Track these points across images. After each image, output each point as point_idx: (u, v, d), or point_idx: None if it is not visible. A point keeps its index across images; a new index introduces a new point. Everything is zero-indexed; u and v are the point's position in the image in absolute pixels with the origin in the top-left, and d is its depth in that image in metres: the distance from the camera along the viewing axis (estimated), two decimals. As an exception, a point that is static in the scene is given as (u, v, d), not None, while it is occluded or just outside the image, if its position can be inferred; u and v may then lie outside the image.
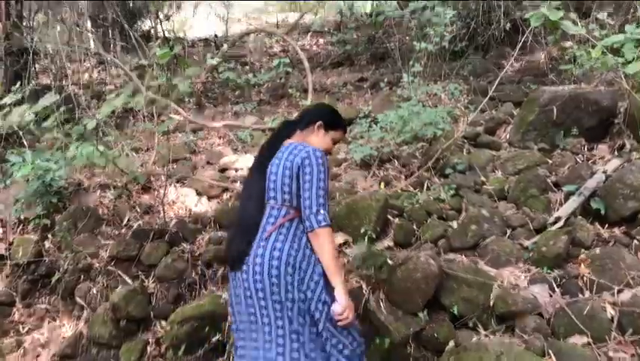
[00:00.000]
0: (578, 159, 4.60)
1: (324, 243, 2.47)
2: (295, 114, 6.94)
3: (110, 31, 9.65)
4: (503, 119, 5.69)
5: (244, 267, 2.52)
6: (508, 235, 3.91)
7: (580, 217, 3.83)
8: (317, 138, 2.77)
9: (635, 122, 4.57)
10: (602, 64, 4.35)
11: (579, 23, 4.65)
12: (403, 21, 8.68)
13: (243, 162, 5.77)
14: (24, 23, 7.21)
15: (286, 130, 2.81)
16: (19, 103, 4.41)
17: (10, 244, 4.62)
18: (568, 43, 6.61)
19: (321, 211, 2.46)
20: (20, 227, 4.81)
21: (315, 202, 2.46)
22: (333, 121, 2.88)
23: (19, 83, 4.29)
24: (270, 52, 12.41)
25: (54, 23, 8.91)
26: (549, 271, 3.47)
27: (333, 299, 2.49)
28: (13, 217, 4.80)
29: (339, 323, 2.49)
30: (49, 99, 3.82)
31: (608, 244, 3.63)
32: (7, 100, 4.06)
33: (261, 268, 2.45)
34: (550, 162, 4.64)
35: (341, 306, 2.45)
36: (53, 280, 4.34)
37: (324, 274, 2.51)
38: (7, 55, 6.18)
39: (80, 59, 9.45)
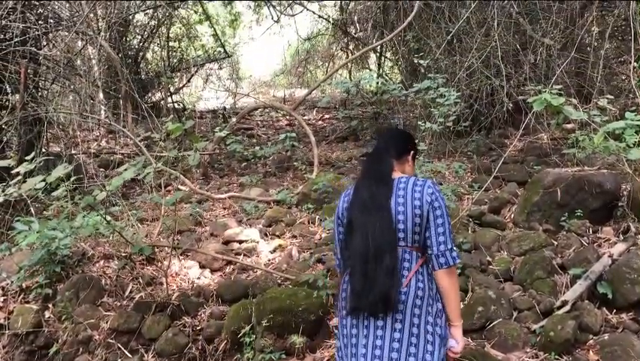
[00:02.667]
0: (583, 242, 4.61)
1: (456, 280, 2.45)
2: (300, 187, 7.02)
3: (121, 101, 9.92)
4: (507, 198, 5.74)
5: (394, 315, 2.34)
6: (514, 317, 3.86)
7: (587, 301, 3.80)
8: (410, 168, 2.69)
9: (638, 206, 4.61)
10: (604, 148, 4.45)
11: (580, 109, 4.80)
12: (407, 99, 8.95)
13: (247, 235, 5.78)
14: (39, 94, 7.42)
15: (387, 162, 2.58)
16: (31, 172, 4.48)
17: (10, 313, 4.55)
18: (570, 126, 6.77)
19: (455, 248, 2.41)
20: (21, 296, 4.76)
21: (449, 239, 2.38)
22: (417, 150, 2.86)
23: (33, 153, 4.37)
24: (276, 125, 12.70)
25: (68, 93, 9.20)
26: (557, 357, 3.41)
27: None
28: (15, 285, 4.76)
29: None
30: (61, 170, 3.90)
31: (616, 330, 3.59)
32: (22, 169, 4.13)
33: (403, 315, 2.33)
34: (555, 243, 4.65)
35: (461, 346, 2.46)
36: (51, 351, 4.25)
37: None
38: (22, 124, 6.34)
39: (90, 128, 9.69)
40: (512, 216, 5.42)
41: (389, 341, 2.31)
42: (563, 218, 4.86)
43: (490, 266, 4.53)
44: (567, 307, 3.73)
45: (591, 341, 3.47)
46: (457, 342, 2.45)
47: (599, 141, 4.20)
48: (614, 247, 4.29)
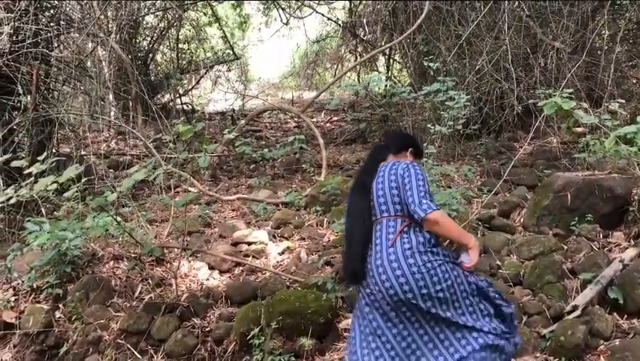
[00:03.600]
0: (593, 246, 4.59)
1: (443, 222, 2.75)
2: (309, 189, 7.03)
3: (131, 103, 9.97)
4: (517, 202, 5.72)
5: (369, 280, 2.77)
6: (524, 321, 3.85)
7: (598, 306, 3.78)
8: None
9: (650, 211, 4.59)
10: (615, 153, 4.42)
11: (591, 113, 4.77)
12: (416, 102, 8.93)
13: (256, 236, 5.79)
14: (50, 95, 7.47)
15: (380, 154, 3.13)
16: (42, 172, 4.51)
17: (21, 312, 4.58)
18: (580, 129, 6.74)
19: (424, 201, 2.72)
20: (32, 295, 4.79)
21: (417, 196, 2.73)
22: (419, 149, 3.27)
23: (44, 154, 4.40)
24: (284, 127, 12.72)
25: (78, 94, 9.26)
26: (568, 362, 3.39)
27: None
28: (26, 285, 4.79)
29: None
30: (73, 171, 3.92)
31: (627, 335, 3.57)
32: (34, 170, 4.17)
33: (401, 271, 2.67)
34: (565, 247, 4.63)
35: (472, 262, 2.81)
36: (61, 351, 4.27)
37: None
38: (34, 125, 6.39)
39: (100, 129, 9.74)
40: (522, 220, 5.40)
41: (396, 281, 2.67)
42: (573, 222, 4.84)
43: (500, 270, 4.52)
44: (577, 312, 3.72)
45: (602, 347, 3.46)
46: (469, 259, 2.81)
47: (610, 145, 4.18)
48: (625, 251, 4.27)
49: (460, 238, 2.83)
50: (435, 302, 2.66)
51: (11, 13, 6.24)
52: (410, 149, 3.16)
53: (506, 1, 7.38)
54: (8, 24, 6.12)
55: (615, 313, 3.78)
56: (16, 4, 6.39)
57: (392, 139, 3.32)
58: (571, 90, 4.66)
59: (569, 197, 4.93)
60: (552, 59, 7.28)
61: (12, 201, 4.22)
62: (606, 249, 4.53)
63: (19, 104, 6.60)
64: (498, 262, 4.61)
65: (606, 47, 7.23)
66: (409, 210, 2.75)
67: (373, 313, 2.78)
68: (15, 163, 4.39)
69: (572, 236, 4.78)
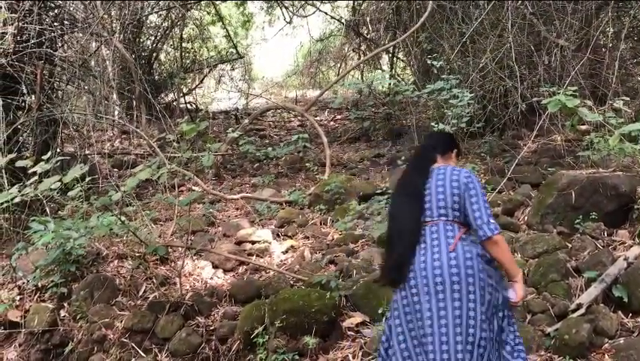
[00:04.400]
0: (598, 244, 4.57)
1: (503, 246, 2.83)
2: (312, 188, 7.04)
3: (135, 102, 10.00)
4: (521, 200, 5.71)
5: (418, 280, 2.72)
6: (528, 320, 3.84)
7: (602, 305, 3.77)
8: (453, 163, 3.11)
9: (655, 209, 4.57)
10: (619, 150, 4.41)
11: (595, 110, 4.76)
12: (420, 100, 8.92)
13: (260, 235, 5.80)
14: (54, 95, 7.49)
15: (429, 155, 3.09)
16: (46, 172, 4.53)
17: (26, 311, 4.61)
18: (584, 127, 6.72)
19: (492, 220, 2.76)
20: (37, 294, 4.81)
21: (484, 213, 2.76)
22: (460, 150, 3.36)
23: (49, 154, 4.42)
24: (288, 126, 12.72)
25: (82, 94, 9.28)
26: (572, 360, 3.38)
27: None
28: (31, 284, 4.81)
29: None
30: (77, 170, 3.94)
31: (632, 334, 3.56)
32: (38, 169, 4.18)
33: (457, 278, 2.66)
34: (569, 246, 4.61)
35: (519, 297, 2.86)
36: (66, 350, 4.31)
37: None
38: (38, 125, 6.41)
39: (104, 128, 9.77)
40: (526, 218, 5.39)
41: (450, 301, 2.65)
42: (577, 220, 4.82)
43: (504, 268, 4.50)
44: (582, 311, 3.71)
45: (606, 345, 3.45)
46: (516, 294, 2.83)
47: (615, 142, 4.17)
48: (630, 250, 4.25)
49: (512, 265, 2.88)
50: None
51: (15, 14, 6.26)
52: (455, 150, 3.19)
53: (510, -1, 7.36)
54: (12, 24, 6.14)
55: (620, 312, 3.77)
56: (20, 4, 6.41)
57: (438, 140, 3.29)
58: (575, 88, 4.65)
59: (574, 195, 4.91)
60: (556, 57, 7.25)
61: (16, 200, 4.23)
62: (611, 247, 4.51)
63: (23, 104, 6.63)
64: (502, 261, 4.59)
65: (610, 45, 7.20)
66: (472, 222, 2.76)
67: (415, 305, 2.76)
68: (20, 163, 4.40)
69: (577, 234, 4.76)
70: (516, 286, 2.85)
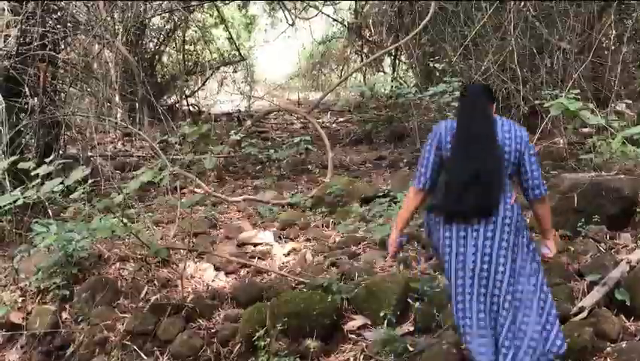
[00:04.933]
0: (600, 248, 4.56)
1: (547, 205, 3.15)
2: (314, 190, 7.04)
3: (137, 104, 10.02)
4: (524, 204, 5.69)
5: (492, 221, 2.89)
6: (530, 323, 3.82)
7: (604, 308, 3.75)
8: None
9: (657, 212, 4.56)
10: (622, 154, 4.40)
11: (598, 113, 4.76)
12: (422, 103, 8.93)
13: (261, 238, 5.80)
14: (57, 97, 7.51)
15: (486, 101, 3.06)
16: (49, 174, 4.53)
17: (28, 313, 4.61)
18: (586, 130, 6.71)
19: (543, 182, 3.01)
20: (39, 296, 4.81)
21: (539, 175, 2.97)
22: (497, 101, 3.53)
23: (52, 156, 4.43)
24: (290, 128, 12.74)
25: (85, 96, 9.31)
26: (575, 364, 3.37)
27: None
28: (33, 286, 4.82)
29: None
30: (80, 173, 3.94)
31: (634, 337, 3.54)
32: (41, 172, 4.19)
33: (510, 227, 2.90)
34: (572, 249, 4.60)
35: (553, 252, 3.28)
36: (68, 352, 4.30)
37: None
38: (41, 127, 6.43)
39: (107, 130, 9.80)
40: (528, 221, 5.37)
41: (497, 247, 2.89)
42: (579, 224, 4.81)
43: (506, 271, 4.50)
44: (584, 314, 3.70)
45: (608, 349, 3.43)
46: (550, 250, 3.22)
47: (617, 146, 4.16)
48: (633, 253, 4.24)
49: (550, 223, 3.21)
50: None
51: (18, 16, 6.28)
52: (494, 102, 3.20)
53: (512, 2, 7.36)
54: (15, 26, 6.16)
55: (622, 315, 3.76)
56: (23, 7, 6.42)
57: (481, 89, 3.26)
58: (577, 91, 4.65)
59: (576, 198, 4.90)
60: (558, 60, 7.26)
61: (19, 202, 4.24)
62: (613, 250, 4.50)
63: (26, 106, 6.64)
64: (504, 264, 4.59)
65: (613, 47, 7.19)
66: (528, 179, 2.94)
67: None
68: (22, 165, 4.41)
69: (579, 237, 4.76)
70: (549, 243, 3.21)
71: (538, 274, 3.02)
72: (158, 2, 11.87)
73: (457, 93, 6.69)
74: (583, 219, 4.82)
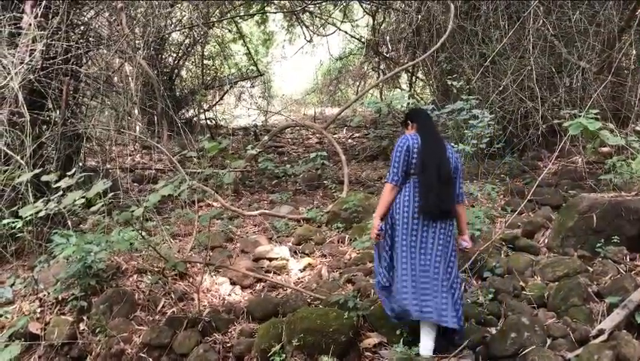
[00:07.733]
0: (620, 269, 4.51)
1: (465, 210, 4.10)
2: (330, 205, 7.05)
3: (156, 118, 10.13)
4: (541, 223, 5.66)
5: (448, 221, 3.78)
6: (548, 345, 3.78)
7: (625, 331, 3.70)
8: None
9: (678, 234, 4.50)
10: (642, 174, 4.36)
11: (617, 133, 4.72)
12: (439, 120, 8.92)
13: (277, 252, 5.81)
14: (79, 110, 7.64)
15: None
16: (69, 186, 4.59)
17: (47, 323, 4.65)
18: (605, 149, 6.66)
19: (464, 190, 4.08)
20: (57, 307, 4.86)
21: (462, 186, 4.00)
22: None
23: (74, 169, 4.49)
24: (306, 143, 12.79)
25: (105, 109, 9.44)
26: (594, 387, 3.32)
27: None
28: (52, 297, 4.87)
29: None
30: (101, 186, 4.00)
31: (655, 361, 3.48)
32: (63, 184, 4.25)
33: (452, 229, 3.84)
34: (591, 270, 4.56)
35: (470, 245, 4.07)
36: (85, 364, 4.33)
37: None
38: (62, 139, 6.53)
39: (126, 143, 9.91)
40: (546, 240, 5.34)
41: (443, 240, 3.73)
42: (598, 244, 4.76)
43: (524, 292, 4.47)
44: (604, 337, 3.65)
45: (629, 373, 3.38)
46: (468, 243, 4.00)
47: (638, 166, 4.13)
48: (653, 275, 4.18)
49: (465, 223, 4.06)
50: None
51: (44, 31, 6.42)
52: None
53: (531, 21, 7.36)
54: (41, 41, 6.29)
55: (643, 339, 3.70)
56: (49, 22, 6.56)
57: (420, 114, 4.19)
58: (596, 110, 4.63)
59: (595, 218, 4.86)
60: (577, 79, 7.23)
61: (41, 214, 4.30)
62: (633, 272, 4.44)
63: (48, 119, 6.75)
64: (522, 283, 4.56)
65: (633, 67, 7.15)
66: (457, 190, 3.87)
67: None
68: (45, 177, 4.48)
69: (598, 258, 4.71)
70: (466, 237, 4.00)
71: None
72: (178, 18, 12.04)
73: (475, 111, 6.69)
74: (602, 240, 4.78)
